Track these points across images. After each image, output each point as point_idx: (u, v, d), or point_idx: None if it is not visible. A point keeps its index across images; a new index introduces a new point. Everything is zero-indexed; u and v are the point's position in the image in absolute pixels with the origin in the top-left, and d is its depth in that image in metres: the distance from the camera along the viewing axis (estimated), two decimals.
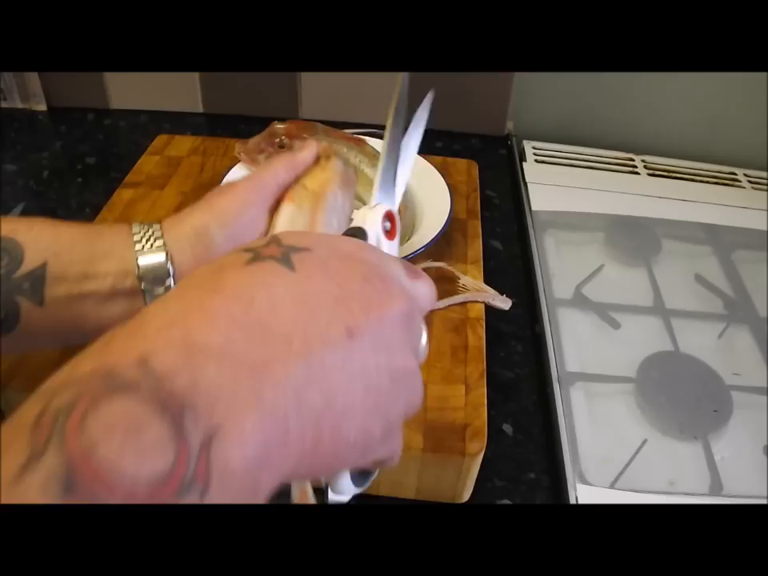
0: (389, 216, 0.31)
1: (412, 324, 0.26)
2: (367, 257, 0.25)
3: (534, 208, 0.71)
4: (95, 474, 0.17)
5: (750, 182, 0.80)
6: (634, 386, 0.54)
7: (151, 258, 0.35)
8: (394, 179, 0.33)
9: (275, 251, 0.23)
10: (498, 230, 0.70)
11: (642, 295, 0.64)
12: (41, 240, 0.34)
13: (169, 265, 0.35)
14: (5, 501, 0.16)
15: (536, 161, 0.79)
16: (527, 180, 0.76)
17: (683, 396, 0.54)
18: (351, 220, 0.32)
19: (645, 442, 0.50)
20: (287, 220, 0.37)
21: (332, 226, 0.37)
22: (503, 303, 0.52)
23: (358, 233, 0.30)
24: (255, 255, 0.23)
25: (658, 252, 0.69)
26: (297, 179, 0.39)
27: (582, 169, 0.79)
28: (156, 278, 0.34)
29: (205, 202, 0.37)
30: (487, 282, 0.54)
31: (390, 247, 0.31)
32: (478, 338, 0.49)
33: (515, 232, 0.71)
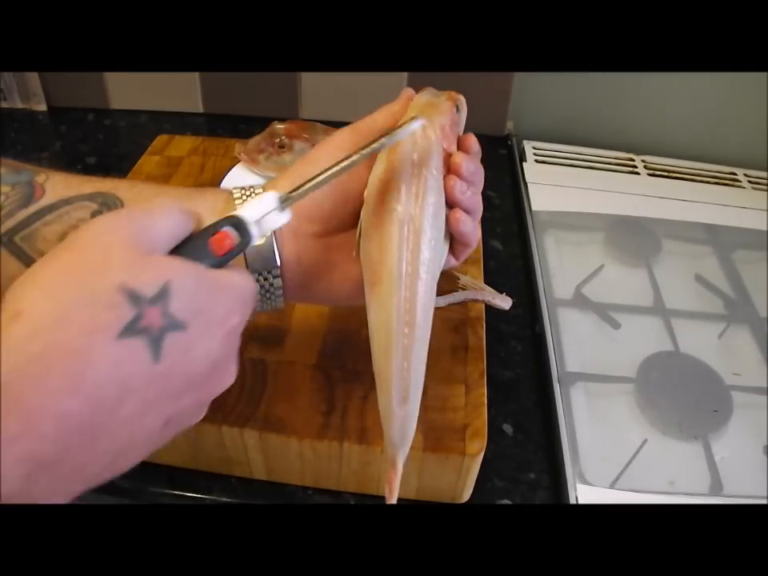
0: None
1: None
2: (232, 320, 0.27)
3: (534, 208, 0.72)
4: None
5: (750, 182, 0.80)
6: (634, 385, 0.54)
7: None
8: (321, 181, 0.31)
9: (155, 321, 0.23)
10: (498, 230, 0.70)
11: (642, 295, 0.64)
12: (142, 197, 0.34)
13: None
14: None
15: (536, 161, 0.79)
16: (527, 180, 0.76)
17: (683, 396, 0.54)
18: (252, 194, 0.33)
19: (645, 442, 0.50)
20: (373, 179, 0.35)
21: (410, 159, 0.34)
22: (503, 303, 0.52)
23: (243, 237, 0.29)
24: (132, 323, 0.23)
25: (658, 252, 0.69)
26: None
27: (581, 169, 0.79)
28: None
29: (302, 158, 0.37)
30: (487, 281, 0.54)
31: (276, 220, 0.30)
32: (478, 337, 0.49)
33: (515, 232, 0.71)
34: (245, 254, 0.34)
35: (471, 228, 0.36)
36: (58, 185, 0.34)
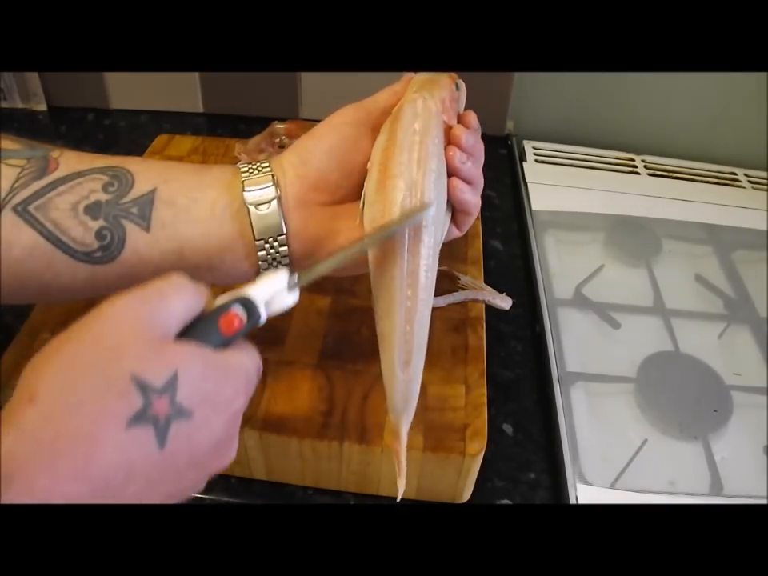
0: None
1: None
2: (236, 403, 0.28)
3: (534, 208, 0.72)
4: None
5: (750, 182, 0.80)
6: (634, 385, 0.54)
7: (257, 180, 0.35)
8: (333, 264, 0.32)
9: (162, 410, 0.24)
10: (498, 230, 0.70)
11: (642, 295, 0.64)
12: (152, 169, 0.35)
13: (274, 185, 0.35)
14: None
15: (536, 161, 0.79)
16: (527, 180, 0.76)
17: (683, 396, 0.54)
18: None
19: (645, 442, 0.50)
20: (376, 149, 0.36)
21: (412, 129, 0.35)
22: (503, 303, 0.52)
23: (252, 321, 0.29)
24: (141, 412, 0.24)
25: (658, 252, 0.69)
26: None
27: (581, 169, 0.79)
28: (262, 196, 0.35)
29: (308, 133, 0.38)
30: (487, 281, 0.54)
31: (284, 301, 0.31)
32: (478, 337, 0.49)
33: (515, 232, 0.71)
34: (252, 223, 0.35)
35: (471, 196, 0.36)
36: (71, 159, 0.35)
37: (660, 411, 0.52)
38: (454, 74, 0.39)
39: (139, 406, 0.23)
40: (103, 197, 0.34)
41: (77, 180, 0.34)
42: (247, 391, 0.28)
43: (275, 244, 0.36)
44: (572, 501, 0.45)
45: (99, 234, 0.34)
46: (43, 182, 0.34)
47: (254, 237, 0.35)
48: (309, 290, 0.51)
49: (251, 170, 0.36)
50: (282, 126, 0.61)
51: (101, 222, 0.34)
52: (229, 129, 0.82)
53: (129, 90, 0.84)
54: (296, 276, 0.31)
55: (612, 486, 0.47)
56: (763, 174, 0.81)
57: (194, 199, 0.35)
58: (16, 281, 0.33)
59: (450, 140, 0.36)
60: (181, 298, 0.27)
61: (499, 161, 0.80)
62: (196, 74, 0.82)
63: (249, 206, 0.35)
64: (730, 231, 0.72)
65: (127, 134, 0.82)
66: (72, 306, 0.48)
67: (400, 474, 0.34)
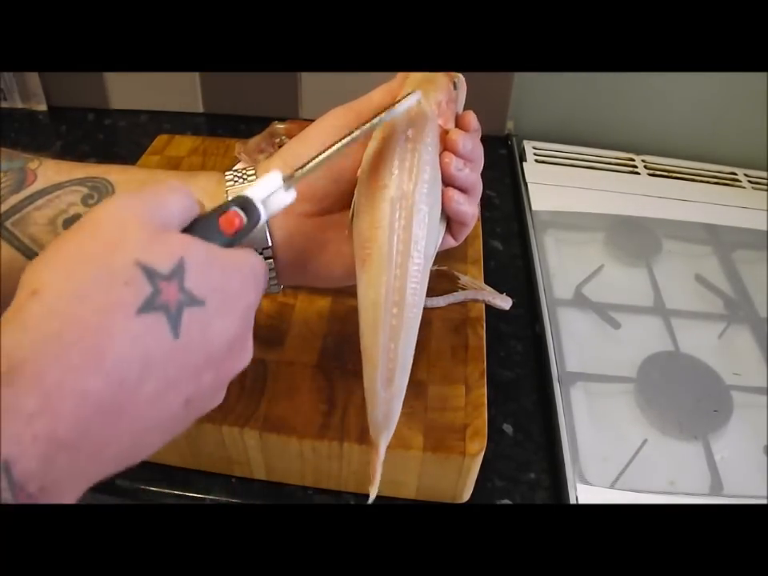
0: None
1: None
2: (247, 298, 0.27)
3: (534, 208, 0.72)
4: None
5: (750, 181, 0.80)
6: (634, 385, 0.54)
7: (242, 189, 0.34)
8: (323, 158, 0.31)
9: (172, 297, 0.23)
10: (498, 230, 0.70)
11: (642, 295, 0.64)
12: (133, 180, 0.35)
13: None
14: None
15: (536, 161, 0.79)
16: (527, 180, 0.76)
17: (683, 396, 0.54)
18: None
19: (645, 441, 0.50)
20: (367, 156, 0.35)
21: (404, 135, 0.34)
22: (503, 303, 0.52)
23: (252, 221, 0.29)
24: (151, 298, 0.23)
25: (658, 252, 0.69)
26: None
27: (582, 169, 0.79)
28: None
29: (296, 137, 0.37)
30: (487, 282, 0.54)
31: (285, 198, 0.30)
32: (478, 337, 0.49)
33: (515, 232, 0.71)
34: None
35: (467, 207, 0.35)
36: (49, 170, 0.34)
37: (660, 411, 0.52)
38: (451, 73, 0.37)
39: (148, 292, 0.22)
40: (82, 209, 0.33)
41: (55, 193, 0.33)
42: (257, 288, 0.28)
43: (261, 257, 0.35)
44: (572, 501, 0.45)
45: None
46: (21, 196, 0.33)
47: None
48: (309, 291, 0.51)
49: (236, 179, 0.35)
50: (281, 126, 0.61)
51: None
52: (229, 129, 0.82)
53: (129, 90, 0.84)
54: (292, 174, 0.30)
55: (612, 486, 0.47)
56: (763, 173, 0.81)
57: None
58: None
59: (445, 146, 0.35)
60: (176, 197, 0.27)
61: (499, 161, 0.80)
62: (196, 74, 0.82)
63: None
64: (730, 231, 0.72)
65: (127, 134, 0.82)
66: None
67: (373, 483, 0.33)
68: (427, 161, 0.33)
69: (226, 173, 0.36)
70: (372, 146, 0.35)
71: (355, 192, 0.35)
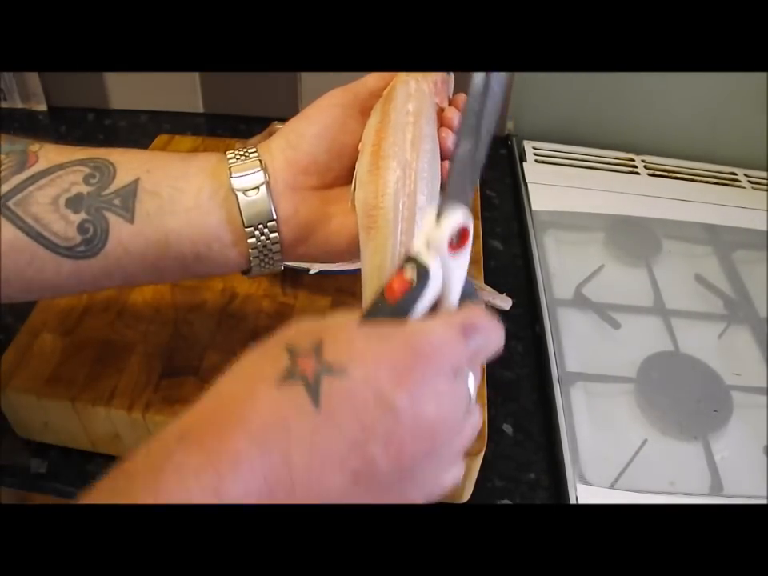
0: (461, 230, 0.27)
1: (447, 436, 0.26)
2: (410, 376, 0.24)
3: (534, 208, 0.71)
4: None
5: (750, 182, 0.80)
6: (634, 385, 0.54)
7: (245, 166, 0.35)
8: (472, 170, 0.28)
9: (310, 368, 0.24)
10: (498, 230, 0.70)
11: (642, 295, 0.64)
12: (134, 160, 0.35)
13: (262, 169, 0.35)
14: None
15: (536, 161, 0.79)
16: (527, 180, 0.76)
17: (683, 396, 0.54)
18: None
19: (645, 442, 0.50)
20: (368, 130, 0.36)
21: (405, 110, 0.34)
22: (503, 303, 0.52)
23: (420, 274, 0.26)
24: (290, 369, 0.24)
25: (658, 252, 0.69)
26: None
27: (582, 169, 0.79)
28: (250, 181, 0.34)
29: (297, 115, 0.38)
30: (487, 281, 0.54)
31: (459, 263, 0.27)
32: None
33: (515, 232, 0.71)
34: (240, 210, 0.34)
35: (454, 141, 0.36)
36: (50, 152, 0.34)
37: (660, 411, 0.52)
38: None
39: (287, 365, 0.24)
40: (84, 189, 0.33)
41: (57, 173, 0.33)
42: (428, 362, 0.24)
43: (265, 231, 0.35)
44: (572, 501, 0.45)
45: (81, 228, 0.33)
46: (23, 176, 0.33)
47: (243, 224, 0.34)
48: (309, 291, 0.51)
49: (238, 157, 0.35)
50: (281, 126, 0.61)
51: (83, 215, 0.33)
52: (229, 129, 0.82)
53: (129, 90, 0.84)
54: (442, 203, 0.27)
55: (612, 486, 0.47)
56: (763, 173, 0.81)
57: (178, 189, 0.34)
58: None
59: (441, 122, 0.36)
60: None
61: (499, 161, 0.80)
62: (196, 74, 0.82)
63: (236, 193, 0.34)
64: (730, 231, 0.72)
65: (127, 134, 0.82)
66: (72, 306, 0.48)
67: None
68: (427, 133, 0.34)
69: (228, 152, 0.36)
70: (373, 120, 0.36)
71: (357, 164, 0.35)
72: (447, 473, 0.28)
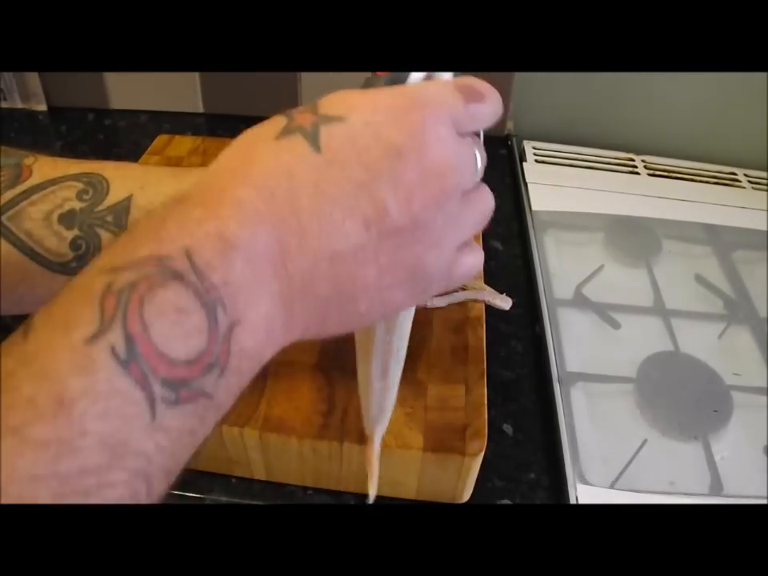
0: None
1: (455, 187, 0.26)
2: (409, 117, 0.24)
3: (534, 208, 0.71)
4: (148, 351, 0.19)
5: (750, 182, 0.80)
6: (634, 385, 0.54)
7: None
8: None
9: (307, 120, 0.24)
10: (498, 230, 0.70)
11: (642, 295, 0.64)
12: (128, 176, 0.35)
13: None
14: (71, 362, 0.19)
15: (536, 161, 0.79)
16: (527, 180, 0.76)
17: (683, 396, 0.54)
18: None
19: (645, 442, 0.50)
20: None
21: None
22: (503, 303, 0.52)
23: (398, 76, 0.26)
24: (287, 125, 0.24)
25: (658, 252, 0.69)
26: None
27: (582, 169, 0.79)
28: None
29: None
30: (487, 282, 0.54)
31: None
32: (478, 338, 0.49)
33: (515, 232, 0.71)
34: None
35: None
36: (44, 166, 0.34)
37: (660, 411, 0.52)
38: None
39: (284, 123, 0.24)
40: (77, 205, 0.33)
41: (50, 188, 0.33)
42: (419, 104, 0.25)
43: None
44: (572, 501, 0.45)
45: (74, 244, 0.33)
46: (16, 191, 0.33)
47: None
48: None
49: None
50: None
51: (75, 232, 0.33)
52: (229, 129, 0.82)
53: (129, 90, 0.84)
54: None
55: (612, 486, 0.47)
56: (763, 173, 0.81)
57: None
58: None
59: None
60: None
61: (499, 161, 0.80)
62: (196, 74, 0.82)
63: None
64: (730, 231, 0.72)
65: (127, 134, 0.82)
66: None
67: (371, 479, 0.34)
68: None
69: None
70: None
71: None
72: (462, 253, 0.29)
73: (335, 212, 0.23)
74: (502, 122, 0.83)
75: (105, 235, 0.33)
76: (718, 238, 0.72)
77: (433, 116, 0.25)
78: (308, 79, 0.80)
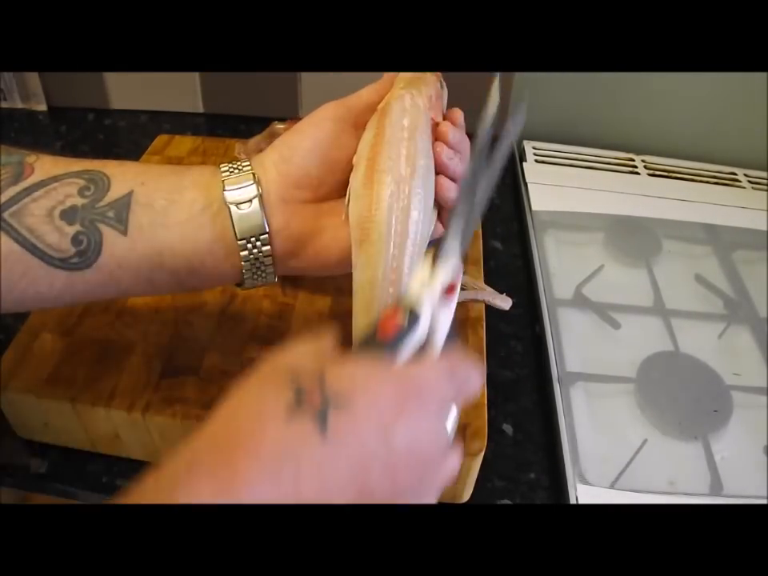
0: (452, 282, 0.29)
1: (437, 462, 0.28)
2: (407, 405, 0.26)
3: (534, 208, 0.71)
4: None
5: (750, 182, 0.79)
6: (634, 385, 0.54)
7: (238, 179, 0.35)
8: (468, 226, 0.30)
9: (316, 401, 0.25)
10: (498, 230, 0.70)
11: (642, 295, 0.64)
12: (129, 172, 0.35)
13: (255, 183, 0.35)
14: None
15: (536, 161, 0.79)
16: (527, 180, 0.76)
17: (683, 396, 0.54)
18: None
19: (645, 442, 0.50)
20: (363, 144, 0.36)
21: (401, 125, 0.35)
22: (503, 303, 0.52)
23: (411, 318, 0.28)
24: (297, 404, 0.24)
25: (658, 252, 0.69)
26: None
27: (582, 169, 0.79)
28: (242, 194, 0.35)
29: (290, 130, 0.38)
30: (487, 282, 0.54)
31: (447, 308, 0.29)
32: (478, 338, 0.49)
33: (515, 232, 0.71)
34: (233, 223, 0.34)
35: (455, 194, 0.36)
36: (46, 164, 0.35)
37: (660, 411, 0.52)
38: (438, 73, 0.39)
39: (292, 397, 0.25)
40: (79, 201, 0.33)
41: (52, 185, 0.33)
42: (422, 398, 0.26)
43: (258, 244, 0.35)
44: (572, 501, 0.45)
45: (75, 240, 0.33)
46: (18, 188, 0.33)
47: (236, 237, 0.35)
48: (309, 291, 0.51)
49: (232, 170, 0.36)
50: (281, 126, 0.61)
51: (77, 227, 0.33)
52: (229, 129, 0.82)
53: (129, 90, 0.84)
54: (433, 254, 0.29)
55: (612, 486, 0.47)
56: (763, 173, 0.81)
57: (171, 201, 0.34)
58: None
59: (436, 136, 0.36)
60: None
61: None
62: (196, 74, 0.82)
63: (229, 206, 0.34)
64: (730, 231, 0.72)
65: (127, 134, 0.82)
66: (72, 308, 0.48)
67: None
68: (421, 148, 0.35)
69: (221, 165, 0.36)
70: (368, 135, 0.36)
71: (351, 177, 0.36)
72: (429, 495, 0.29)
73: (332, 494, 0.24)
74: (501, 122, 0.83)
75: (106, 230, 0.33)
76: (718, 238, 0.72)
77: (426, 406, 0.27)
78: (308, 79, 0.80)
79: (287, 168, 0.36)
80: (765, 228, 0.72)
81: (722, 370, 0.55)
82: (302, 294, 0.51)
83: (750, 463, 0.50)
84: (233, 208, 0.35)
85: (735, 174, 0.80)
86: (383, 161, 0.34)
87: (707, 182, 0.79)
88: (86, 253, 0.33)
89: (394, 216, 0.33)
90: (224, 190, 0.35)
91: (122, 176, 0.35)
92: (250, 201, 0.35)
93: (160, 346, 0.46)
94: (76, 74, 0.81)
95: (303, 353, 0.27)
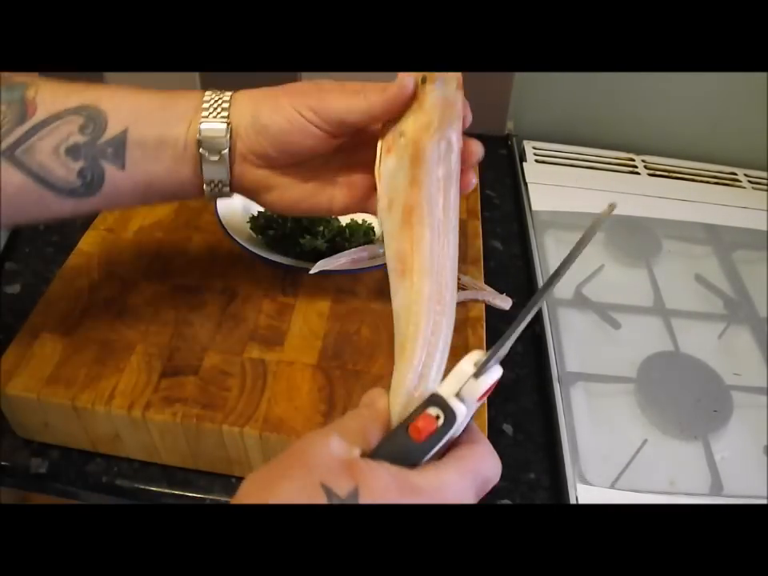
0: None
1: None
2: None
3: (534, 208, 0.72)
4: None
5: (750, 182, 0.80)
6: (635, 385, 0.54)
7: (212, 126, 0.38)
8: (515, 337, 0.30)
9: (344, 492, 0.26)
10: (498, 230, 0.70)
11: (642, 295, 0.64)
12: (122, 108, 0.38)
13: (227, 136, 0.38)
14: None
15: (536, 161, 0.79)
16: (527, 180, 0.76)
17: (683, 396, 0.54)
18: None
19: (645, 441, 0.50)
20: (389, 174, 0.38)
21: (437, 177, 0.36)
22: (503, 303, 0.52)
23: (447, 419, 0.28)
24: (328, 498, 0.25)
25: (658, 252, 0.69)
26: (392, 119, 0.38)
27: (582, 169, 0.79)
28: (213, 145, 0.38)
29: (277, 99, 0.39)
30: (487, 282, 0.54)
31: (479, 405, 0.30)
32: (478, 338, 0.49)
33: (515, 232, 0.71)
34: (202, 169, 0.39)
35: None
36: (47, 98, 0.38)
37: (660, 411, 0.52)
38: (460, 78, 0.38)
39: (324, 497, 0.26)
40: (81, 139, 0.37)
41: (55, 123, 0.37)
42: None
43: (219, 184, 0.40)
44: (572, 501, 0.45)
45: (81, 174, 0.37)
46: (25, 127, 0.37)
47: (204, 180, 0.40)
48: (309, 291, 0.51)
49: (212, 107, 0.39)
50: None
51: (81, 163, 0.37)
52: None
53: None
54: (481, 364, 0.29)
55: (612, 486, 0.47)
56: (763, 173, 0.81)
57: (161, 139, 0.38)
58: (9, 212, 0.38)
59: (465, 162, 0.38)
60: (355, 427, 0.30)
61: (499, 161, 0.80)
62: (196, 74, 0.82)
63: (201, 151, 0.38)
64: (730, 231, 0.72)
65: None
66: (72, 306, 0.48)
67: None
68: (456, 191, 0.37)
69: (205, 97, 0.39)
70: (391, 164, 0.38)
71: (382, 215, 0.38)
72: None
73: None
74: (501, 122, 0.83)
75: (106, 165, 0.38)
76: (718, 238, 0.72)
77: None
78: (308, 79, 0.80)
79: (254, 137, 0.39)
80: (765, 228, 0.72)
81: (722, 370, 0.55)
82: (302, 294, 0.51)
83: (750, 463, 0.50)
84: (203, 151, 0.38)
85: (735, 174, 0.80)
86: (423, 214, 0.36)
87: (707, 182, 0.79)
88: (90, 185, 0.38)
89: (435, 254, 0.35)
90: (200, 130, 0.38)
91: (116, 112, 0.38)
92: (219, 151, 0.38)
93: (160, 346, 0.46)
94: (76, 75, 0.81)
95: (336, 462, 0.28)
